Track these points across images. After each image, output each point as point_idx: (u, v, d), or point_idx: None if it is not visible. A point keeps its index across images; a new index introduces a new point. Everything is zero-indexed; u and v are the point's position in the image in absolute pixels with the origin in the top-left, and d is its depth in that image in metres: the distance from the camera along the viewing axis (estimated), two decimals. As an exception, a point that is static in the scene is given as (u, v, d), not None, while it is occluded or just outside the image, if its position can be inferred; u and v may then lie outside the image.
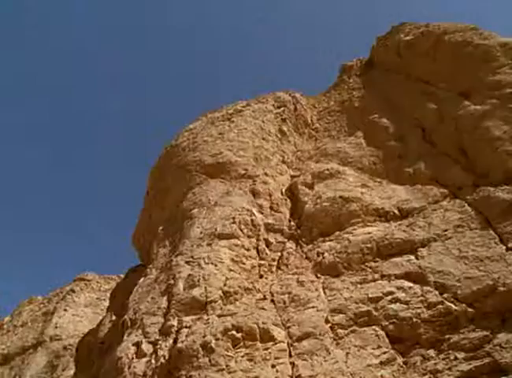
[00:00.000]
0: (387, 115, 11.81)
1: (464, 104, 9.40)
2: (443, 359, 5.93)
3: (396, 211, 8.74)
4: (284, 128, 14.38)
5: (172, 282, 8.88)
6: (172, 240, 11.06)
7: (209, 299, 8.17)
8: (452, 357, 5.88)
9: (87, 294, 21.24)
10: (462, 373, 5.66)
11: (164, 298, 8.54)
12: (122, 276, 16.81)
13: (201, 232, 10.15)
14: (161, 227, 12.01)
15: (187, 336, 7.43)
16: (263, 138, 13.67)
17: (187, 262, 9.44)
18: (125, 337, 7.93)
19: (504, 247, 6.66)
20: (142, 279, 9.85)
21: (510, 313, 5.98)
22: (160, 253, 10.69)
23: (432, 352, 6.08)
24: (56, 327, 19.03)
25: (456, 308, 6.32)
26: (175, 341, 7.45)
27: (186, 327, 7.71)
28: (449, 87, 10.43)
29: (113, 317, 10.31)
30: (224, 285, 8.50)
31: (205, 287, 8.46)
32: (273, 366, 6.58)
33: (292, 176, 11.91)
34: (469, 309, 6.23)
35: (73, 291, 21.43)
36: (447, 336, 6.14)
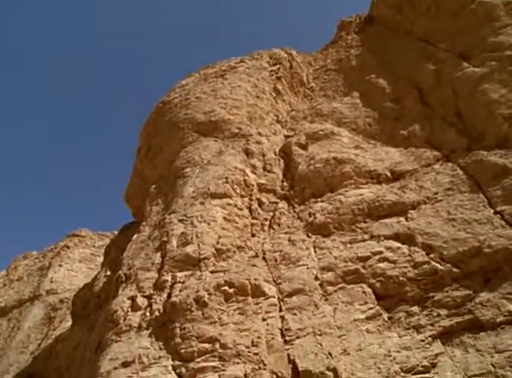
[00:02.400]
0: (384, 75, 11.58)
1: (463, 66, 9.22)
2: (426, 315, 6.22)
3: (388, 173, 8.79)
4: (279, 87, 14.07)
5: (165, 239, 9.01)
6: (165, 198, 11.10)
7: (202, 256, 8.34)
8: (435, 314, 6.16)
9: (82, 250, 21.53)
10: (444, 329, 5.96)
11: (157, 254, 8.69)
12: (116, 232, 16.99)
13: (194, 191, 10.18)
14: (153, 186, 12.00)
15: (180, 291, 7.65)
16: (257, 97, 13.40)
17: (180, 220, 9.54)
18: (120, 291, 8.14)
19: (492, 210, 6.80)
20: (135, 236, 9.97)
21: (493, 274, 6.22)
22: (153, 211, 10.75)
23: (416, 309, 6.35)
24: (52, 282, 19.43)
25: (441, 268, 6.54)
26: (169, 295, 7.68)
27: (179, 282, 7.92)
28: (449, 48, 10.17)
29: (108, 272, 10.52)
30: (217, 243, 8.66)
31: (199, 245, 8.62)
32: (264, 320, 6.86)
33: (286, 136, 11.82)
34: (454, 269, 6.45)
35: (68, 247, 21.68)
36: (431, 294, 6.40)
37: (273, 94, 13.84)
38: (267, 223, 9.23)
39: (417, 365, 5.64)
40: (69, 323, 13.33)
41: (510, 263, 6.15)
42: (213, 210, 9.59)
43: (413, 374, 5.55)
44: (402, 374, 5.56)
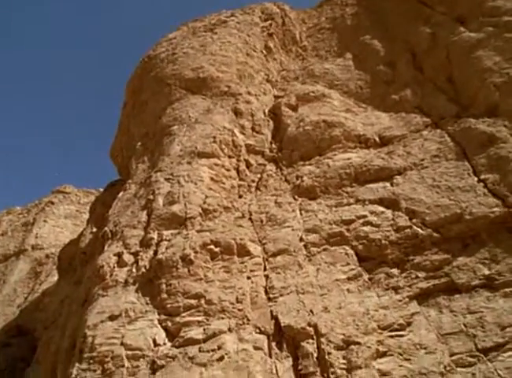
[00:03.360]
0: (378, 36, 11.30)
1: (459, 30, 9.05)
2: (405, 277, 6.47)
3: (377, 138, 8.81)
4: (271, 44, 13.65)
5: (151, 197, 8.99)
6: (151, 156, 10.97)
7: (188, 215, 8.39)
8: (413, 276, 6.42)
9: (67, 207, 21.36)
10: (421, 290, 6.24)
11: (143, 212, 8.70)
12: (101, 190, 16.85)
13: (181, 150, 10.06)
14: (139, 143, 11.80)
15: (167, 248, 7.75)
16: (247, 54, 13.00)
17: (166, 179, 9.49)
18: (106, 248, 8.20)
19: (476, 179, 6.95)
20: (121, 194, 9.91)
21: (471, 240, 6.44)
22: (139, 169, 10.64)
23: (395, 271, 6.60)
24: (37, 237, 19.39)
25: (423, 232, 6.75)
26: (155, 253, 7.78)
27: (166, 240, 8.00)
28: (446, 11, 9.93)
29: (94, 229, 10.53)
30: (204, 203, 8.69)
31: (185, 204, 8.64)
32: (249, 278, 7.05)
33: (276, 97, 11.61)
34: (435, 234, 6.66)
35: (52, 203, 21.47)
36: (411, 257, 6.63)
37: (264, 52, 13.45)
38: (254, 184, 9.26)
39: (394, 323, 5.94)
40: (55, 277, 13.48)
41: (488, 230, 6.37)
42: (200, 170, 9.54)
43: (390, 331, 5.85)
44: (379, 331, 5.86)
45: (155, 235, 8.13)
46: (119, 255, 7.84)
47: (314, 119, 9.56)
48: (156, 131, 11.51)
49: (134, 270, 7.53)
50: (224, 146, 9.94)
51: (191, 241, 7.74)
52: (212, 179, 9.45)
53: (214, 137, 9.94)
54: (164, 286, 7.08)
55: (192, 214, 8.41)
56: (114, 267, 7.61)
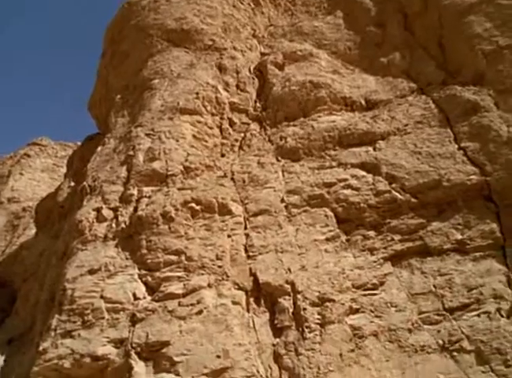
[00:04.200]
0: (371, -6, 10.95)
1: (453, -8, 8.85)
2: (381, 239, 6.71)
3: (363, 101, 8.77)
4: (259, -4, 13.07)
5: (131, 153, 8.83)
6: (131, 110, 10.64)
7: (169, 173, 8.32)
8: (389, 239, 6.66)
9: (43, 160, 20.74)
10: (395, 252, 6.50)
11: (123, 168, 8.56)
12: (79, 143, 16.37)
13: (162, 105, 9.79)
14: (118, 96, 11.38)
15: (147, 205, 7.72)
16: (234, 6, 12.45)
17: (147, 135, 9.29)
18: (85, 202, 8.11)
19: (456, 146, 7.08)
20: (100, 148, 9.68)
21: (447, 206, 6.67)
22: (118, 123, 10.34)
23: (372, 233, 6.82)
24: (13, 190, 18.89)
25: (401, 197, 6.93)
26: (135, 209, 7.75)
27: (146, 197, 7.96)
28: (441, -29, 9.64)
29: (71, 183, 10.33)
30: (185, 160, 8.61)
31: (166, 161, 8.54)
32: (229, 236, 7.16)
33: (262, 54, 11.28)
34: (413, 199, 6.86)
35: (28, 156, 20.78)
36: (388, 221, 6.85)
37: (252, 5, 12.90)
38: (237, 144, 9.19)
39: (367, 283, 6.22)
40: (33, 231, 13.32)
41: (464, 197, 6.60)
42: (182, 127, 9.36)
43: (363, 290, 6.14)
44: (353, 290, 6.14)
45: (135, 192, 8.07)
46: (98, 210, 7.78)
47: (301, 79, 9.39)
48: (136, 84, 11.10)
49: (113, 225, 7.52)
50: (207, 103, 9.72)
51: (171, 198, 7.72)
52: (194, 136, 9.31)
53: (197, 93, 9.68)
54: (144, 242, 7.13)
55: (173, 172, 8.34)
56: (93, 222, 7.58)
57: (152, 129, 9.34)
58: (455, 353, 5.22)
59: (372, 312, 5.84)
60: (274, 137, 8.92)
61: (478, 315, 5.47)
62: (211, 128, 9.76)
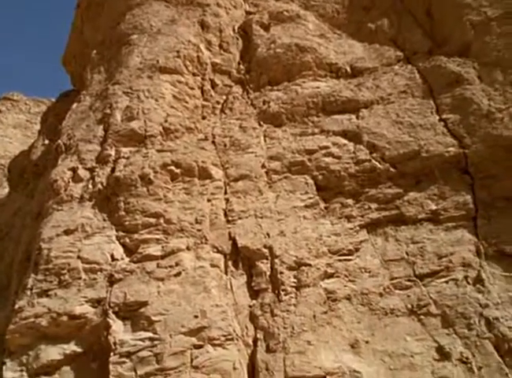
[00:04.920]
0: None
1: (445, -43, 8.67)
2: (359, 208, 6.88)
3: (348, 68, 8.69)
4: None
5: (108, 111, 8.57)
6: (108, 67, 10.23)
7: (148, 133, 8.16)
8: (366, 207, 6.83)
9: (16, 116, 19.84)
10: (371, 220, 6.70)
11: (100, 127, 8.33)
12: (53, 99, 15.71)
13: (141, 62, 9.44)
14: (94, 51, 10.88)
15: (125, 166, 7.60)
16: (218, -44, 11.83)
17: (124, 93, 9.00)
18: (60, 161, 7.90)
19: (438, 118, 7.18)
20: (75, 105, 9.33)
21: (424, 176, 6.84)
22: (94, 80, 9.95)
23: (350, 201, 6.97)
24: (-17, 146, 18.17)
25: (380, 167, 7.05)
26: (112, 170, 7.62)
27: (124, 157, 7.82)
28: None
29: (46, 141, 10.01)
30: (165, 121, 8.44)
31: (145, 121, 8.35)
32: (209, 200, 7.18)
33: (247, 12, 10.89)
34: (391, 169, 6.99)
35: (-1, 111, 19.87)
36: (367, 189, 6.99)
37: (237, -41, 12.29)
38: (219, 106, 9.03)
39: (343, 249, 6.43)
40: (6, 189, 12.95)
41: (441, 168, 6.77)
42: (161, 86, 9.09)
43: (339, 256, 6.35)
44: (329, 255, 6.34)
45: (112, 152, 7.91)
46: (74, 170, 7.61)
47: (286, 41, 9.18)
48: (113, 39, 10.61)
49: (90, 186, 7.40)
50: (188, 63, 9.43)
51: (150, 160, 7.62)
52: (174, 97, 9.08)
53: (178, 51, 9.36)
54: (122, 204, 7.07)
55: (152, 132, 8.18)
56: (69, 182, 7.43)
57: (130, 87, 9.04)
58: (422, 317, 5.54)
59: (347, 276, 6.08)
60: (257, 101, 8.80)
61: (446, 282, 5.78)
62: (192, 89, 9.53)
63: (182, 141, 8.23)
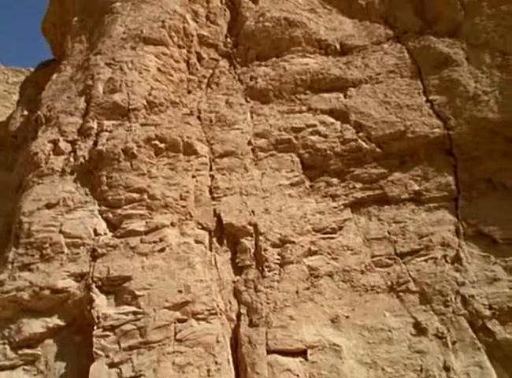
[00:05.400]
0: None
1: None
2: (343, 187, 7.00)
3: (338, 46, 8.64)
4: None
5: (90, 83, 8.38)
6: (90, 36, 9.94)
7: (131, 107, 8.05)
8: (351, 186, 6.95)
9: (-6, 86, 19.11)
10: (356, 199, 6.83)
11: (81, 98, 8.16)
12: (32, 69, 15.20)
13: (124, 32, 9.20)
14: (75, 19, 10.52)
15: (107, 140, 7.51)
16: None
17: (107, 64, 8.79)
18: (40, 133, 7.74)
19: (425, 99, 7.26)
20: (55, 76, 9.08)
21: (409, 157, 6.97)
22: (75, 49, 9.66)
23: (335, 180, 7.08)
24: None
25: (366, 146, 7.14)
26: (95, 143, 7.53)
27: (107, 131, 7.72)
28: None
29: (25, 112, 9.75)
30: (149, 95, 8.31)
31: (128, 94, 8.21)
32: (194, 177, 7.19)
33: (236, -17, 10.63)
34: (377, 149, 7.09)
35: (-24, 81, 19.05)
36: (352, 169, 7.10)
37: None
38: (205, 81, 8.91)
39: (327, 227, 6.57)
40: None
41: (426, 149, 6.90)
42: (145, 58, 8.91)
43: (322, 234, 6.49)
44: (313, 233, 6.47)
45: (95, 125, 7.79)
46: (54, 143, 7.48)
47: (276, 15, 9.04)
48: (95, 6, 10.27)
49: (72, 159, 7.30)
50: (173, 34, 9.23)
51: (134, 134, 7.54)
52: (159, 69, 8.92)
53: (163, 21, 9.14)
54: (104, 178, 7.02)
55: (136, 106, 8.06)
56: (50, 154, 7.31)
57: (113, 58, 8.83)
58: (401, 294, 5.76)
59: (329, 254, 6.24)
60: (244, 76, 8.71)
61: (426, 260, 6.00)
62: (177, 62, 9.36)
63: (166, 115, 8.14)
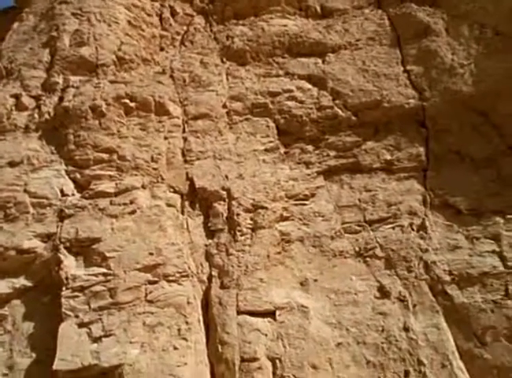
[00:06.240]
0: None
1: None
2: (318, 154, 7.17)
3: (318, 8, 8.57)
4: None
5: (55, 34, 8.04)
6: (54, -18, 9.38)
7: (100, 62, 7.82)
8: (325, 154, 7.13)
9: None
10: (329, 167, 7.03)
11: (45, 51, 7.83)
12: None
13: (92, -21, 8.76)
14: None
15: (74, 96, 7.32)
16: None
17: (73, 14, 8.43)
18: (1, 87, 7.41)
19: (402, 68, 7.40)
20: (16, 25, 8.59)
21: (383, 127, 7.16)
22: (38, -4, 9.13)
23: (310, 147, 7.23)
24: None
25: (342, 114, 7.29)
26: (60, 99, 7.32)
27: (73, 87, 7.51)
28: None
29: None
30: (119, 50, 8.09)
31: (96, 48, 7.96)
32: (166, 138, 7.16)
33: None
34: (353, 117, 7.25)
35: None
36: (327, 137, 7.25)
37: None
38: (179, 38, 8.70)
39: (300, 194, 6.77)
40: None
41: (399, 120, 7.11)
42: (115, 9, 8.60)
43: (295, 200, 6.70)
44: (286, 199, 6.67)
45: (60, 80, 7.54)
46: (17, 97, 7.21)
47: (255, -29, 8.81)
48: None
49: (36, 115, 7.09)
50: (145, -16, 8.89)
51: (102, 91, 7.37)
52: (129, 22, 8.64)
53: (134, -31, 8.76)
54: (71, 136, 6.90)
55: (105, 61, 7.84)
56: (12, 110, 7.06)
57: (80, 8, 8.46)
58: (368, 259, 6.11)
59: (301, 220, 6.49)
60: (220, 35, 8.56)
61: (393, 228, 6.34)
62: (149, 16, 9.07)
63: (137, 73, 7.97)
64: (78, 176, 6.62)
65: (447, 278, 5.80)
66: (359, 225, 6.44)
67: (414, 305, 5.70)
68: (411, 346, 5.35)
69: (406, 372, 5.18)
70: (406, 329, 5.49)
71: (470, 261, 5.87)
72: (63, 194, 6.41)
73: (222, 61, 8.18)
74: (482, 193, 6.36)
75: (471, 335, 5.44)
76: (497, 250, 5.89)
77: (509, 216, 6.10)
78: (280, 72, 7.86)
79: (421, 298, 5.76)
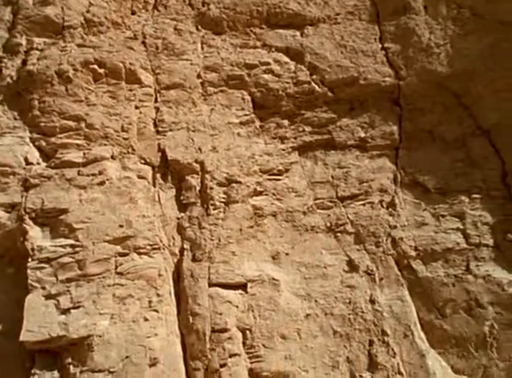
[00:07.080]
0: None
1: None
2: (293, 129, 7.31)
3: (298, -22, 8.53)
4: None
5: (17, -10, 7.69)
6: None
7: (66, 24, 7.57)
8: (300, 129, 7.28)
9: None
10: (304, 143, 7.20)
11: (7, 9, 7.47)
12: None
13: None
14: None
15: (38, 60, 7.10)
16: None
17: (37, -31, 8.05)
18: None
19: (380, 45, 7.54)
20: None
21: (358, 104, 7.35)
22: None
23: (286, 122, 7.35)
24: None
25: (319, 90, 7.41)
26: (24, 62, 7.08)
27: (37, 49, 7.26)
28: None
29: None
30: (87, 11, 7.83)
31: (63, 8, 7.68)
32: (137, 108, 7.09)
33: None
34: (329, 94, 7.40)
35: None
36: (303, 112, 7.38)
37: None
38: (152, 1, 8.46)
39: (274, 169, 6.94)
40: None
41: (375, 97, 7.32)
42: (83, -33, 8.25)
43: (269, 175, 6.87)
44: (260, 174, 6.83)
45: (23, 41, 7.27)
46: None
47: None
48: None
49: (-3, 79, 6.86)
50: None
51: (69, 56, 7.17)
52: (99, -14, 8.34)
53: None
54: (36, 102, 6.73)
55: (72, 23, 7.59)
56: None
57: (45, -37, 8.08)
58: (338, 234, 6.41)
59: (274, 195, 6.68)
60: (196, 1, 8.40)
61: (364, 204, 6.64)
62: (120, -25, 8.77)
63: (107, 37, 7.76)
64: (43, 143, 6.50)
65: (413, 253, 6.18)
66: (331, 201, 6.70)
67: (381, 279, 6.07)
68: (376, 318, 5.74)
69: (371, 342, 5.57)
70: (372, 301, 5.86)
71: (435, 237, 6.26)
72: (27, 162, 6.30)
73: (197, 29, 8.07)
74: (450, 172, 6.73)
75: (432, 307, 5.88)
76: (461, 227, 6.30)
77: (474, 196, 6.50)
78: (258, 44, 7.85)
79: (388, 272, 6.13)
